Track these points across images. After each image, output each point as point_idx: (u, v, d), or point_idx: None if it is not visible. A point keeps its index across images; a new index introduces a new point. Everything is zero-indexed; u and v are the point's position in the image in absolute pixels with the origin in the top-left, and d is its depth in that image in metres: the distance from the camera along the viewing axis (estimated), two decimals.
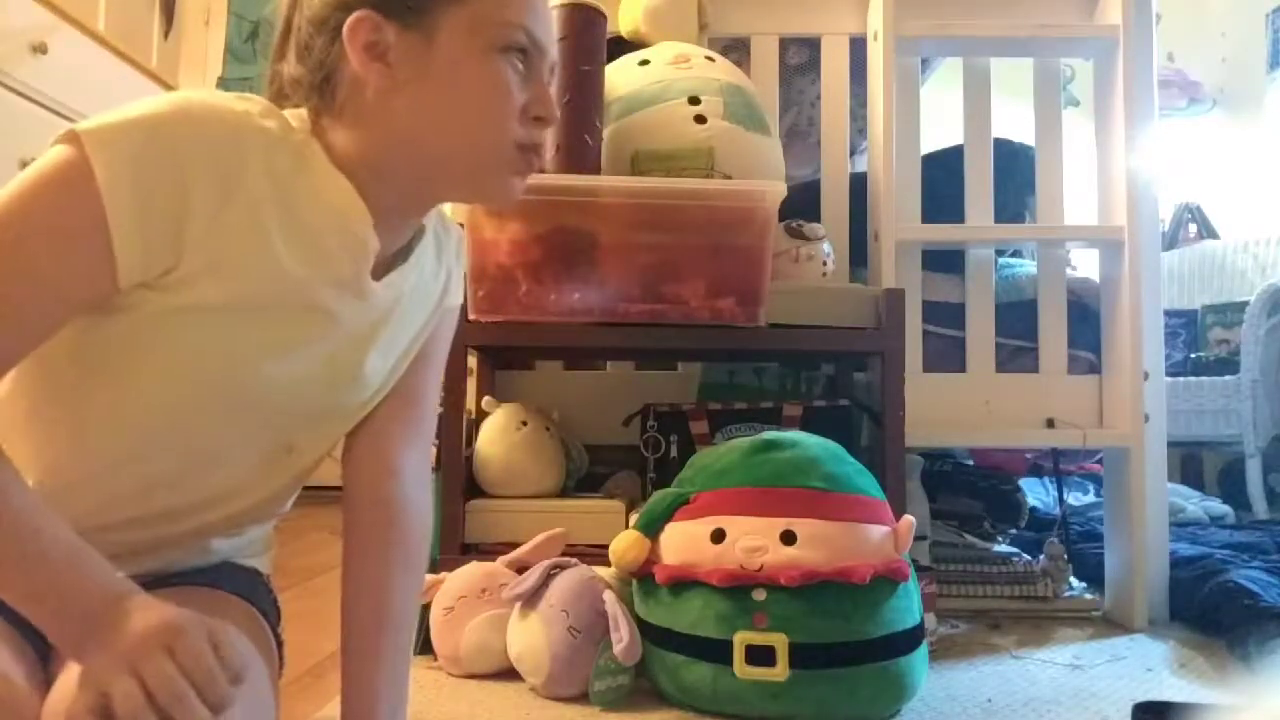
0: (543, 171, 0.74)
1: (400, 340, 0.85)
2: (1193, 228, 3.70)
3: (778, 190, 1.35)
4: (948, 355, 1.72)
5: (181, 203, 0.65)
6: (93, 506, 0.73)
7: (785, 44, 1.85)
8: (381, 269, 0.79)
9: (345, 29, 0.70)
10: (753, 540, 1.13)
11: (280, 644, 0.85)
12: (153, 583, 0.77)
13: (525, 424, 1.50)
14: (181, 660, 0.54)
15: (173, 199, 0.64)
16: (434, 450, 1.69)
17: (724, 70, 1.57)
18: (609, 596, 1.19)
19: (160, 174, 0.64)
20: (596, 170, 1.41)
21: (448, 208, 0.94)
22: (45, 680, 0.68)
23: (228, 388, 0.74)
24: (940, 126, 1.94)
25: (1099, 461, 2.11)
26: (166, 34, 2.98)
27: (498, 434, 1.49)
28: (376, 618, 0.82)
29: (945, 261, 1.75)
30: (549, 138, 0.76)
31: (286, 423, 0.79)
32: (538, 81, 0.75)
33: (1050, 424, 1.68)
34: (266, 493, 0.83)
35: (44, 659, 0.70)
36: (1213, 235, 3.64)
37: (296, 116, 0.74)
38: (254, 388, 0.75)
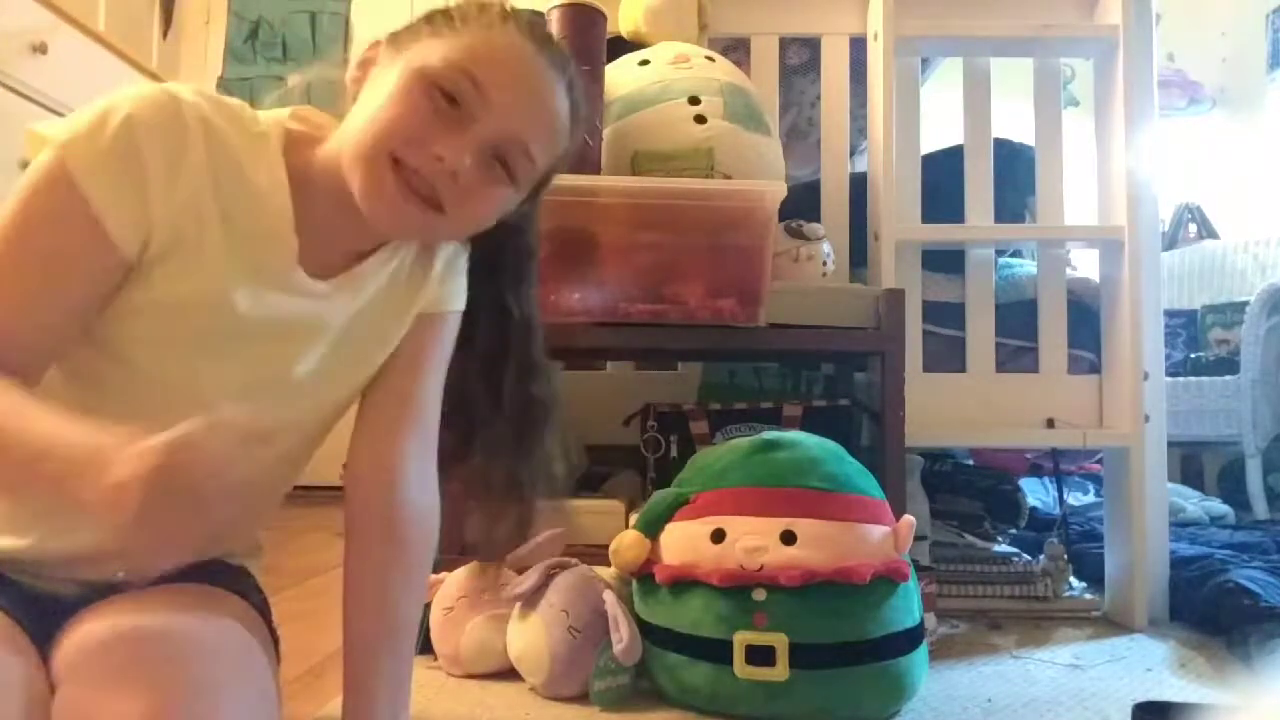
0: (436, 207, 0.76)
1: (365, 342, 0.85)
2: (1193, 228, 3.70)
3: (778, 190, 1.34)
4: (948, 355, 1.72)
5: (142, 180, 0.70)
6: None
7: (785, 44, 1.84)
8: (342, 268, 0.81)
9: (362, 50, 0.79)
10: (753, 540, 1.13)
11: (276, 640, 0.85)
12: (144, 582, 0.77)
13: None
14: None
15: (135, 178, 0.70)
16: None
17: (724, 70, 1.57)
18: (609, 596, 1.19)
19: (122, 158, 0.69)
20: (596, 170, 1.41)
21: None
22: (46, 678, 0.68)
23: (165, 385, 0.76)
24: (940, 127, 1.94)
25: (1099, 461, 2.12)
26: (165, 34, 2.98)
27: None
28: (376, 623, 0.82)
29: (945, 261, 1.75)
30: (456, 192, 0.76)
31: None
32: (460, 130, 0.74)
33: (1050, 424, 1.68)
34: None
35: (45, 658, 0.70)
36: (1213, 235, 3.64)
37: (296, 115, 0.80)
38: (190, 382, 0.76)
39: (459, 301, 0.92)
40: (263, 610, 0.85)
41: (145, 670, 0.63)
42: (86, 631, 0.69)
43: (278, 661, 0.84)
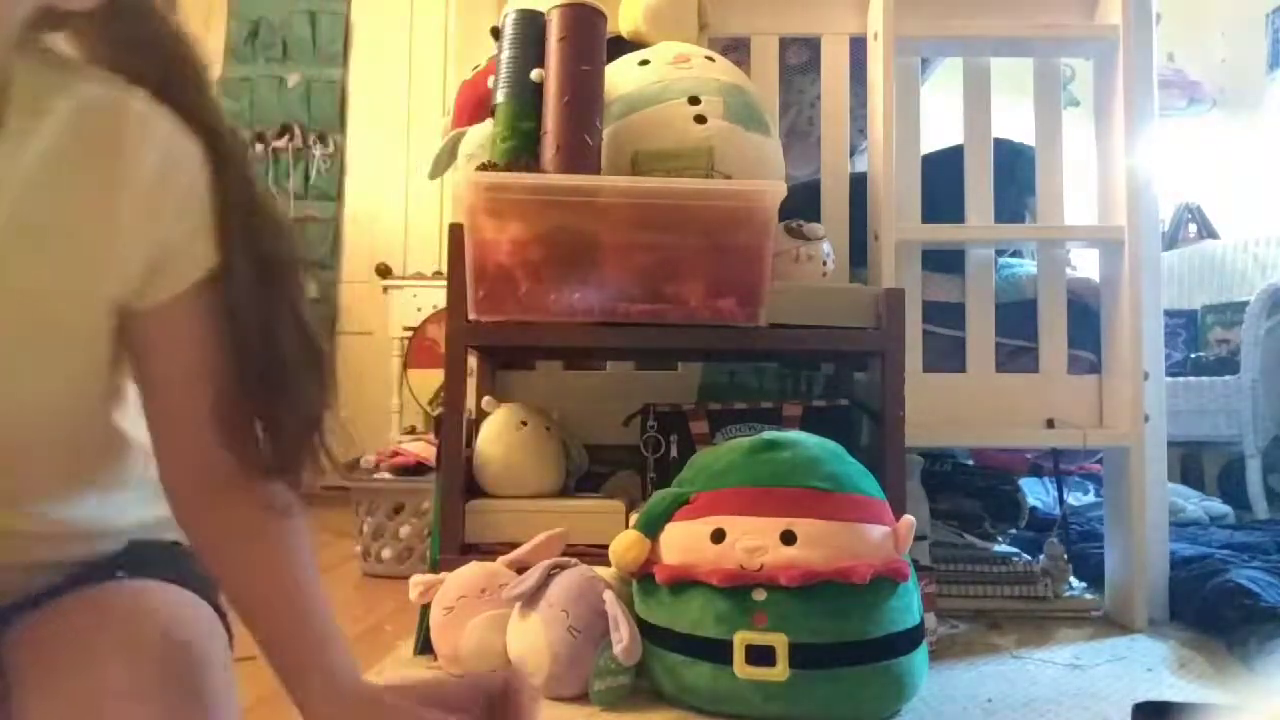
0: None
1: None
2: (1193, 228, 3.70)
3: (778, 190, 1.34)
4: (948, 355, 1.72)
5: None
6: None
7: (785, 44, 1.84)
8: None
9: None
10: (753, 540, 1.13)
11: (224, 615, 0.77)
12: (59, 587, 0.68)
13: (525, 424, 1.50)
14: None
15: None
16: (434, 450, 1.69)
17: (724, 70, 1.57)
18: (609, 596, 1.19)
19: None
20: (596, 170, 1.41)
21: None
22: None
23: None
24: (940, 127, 1.94)
25: (1099, 461, 2.12)
26: None
27: (498, 434, 1.49)
28: (284, 610, 0.73)
29: (945, 261, 1.75)
30: None
31: None
32: None
33: (1050, 424, 1.68)
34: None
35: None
36: (1213, 235, 3.65)
37: None
38: None
39: (209, 254, 0.66)
40: (203, 589, 0.74)
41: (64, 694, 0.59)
42: (15, 645, 0.64)
43: (230, 638, 0.76)
